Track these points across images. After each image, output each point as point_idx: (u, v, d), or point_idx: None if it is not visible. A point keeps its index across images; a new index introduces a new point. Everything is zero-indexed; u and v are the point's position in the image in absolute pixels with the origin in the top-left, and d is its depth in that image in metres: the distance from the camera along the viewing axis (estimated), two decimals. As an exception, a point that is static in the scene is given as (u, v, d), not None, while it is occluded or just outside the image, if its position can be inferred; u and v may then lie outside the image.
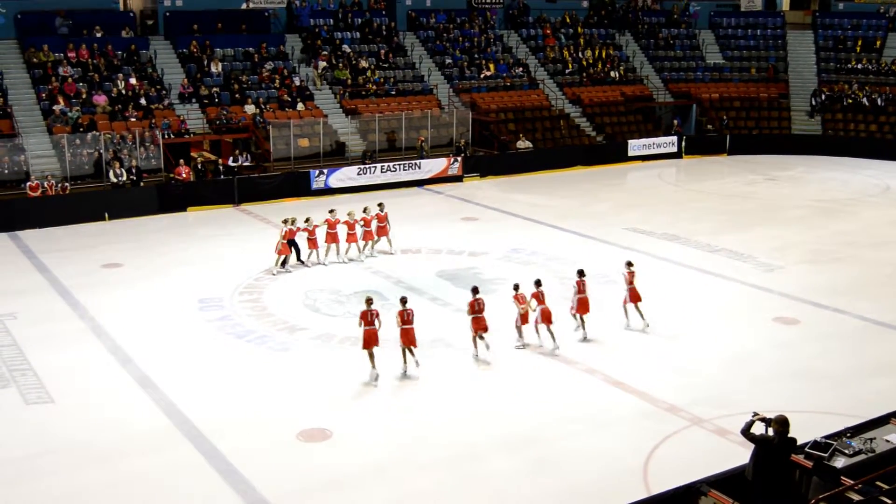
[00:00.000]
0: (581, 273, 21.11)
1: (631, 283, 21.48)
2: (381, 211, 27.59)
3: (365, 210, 27.35)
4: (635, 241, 29.20)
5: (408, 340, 18.83)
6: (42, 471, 15.08)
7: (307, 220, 26.46)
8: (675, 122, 47.76)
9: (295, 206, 34.40)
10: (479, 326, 19.67)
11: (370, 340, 18.55)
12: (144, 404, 17.50)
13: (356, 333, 20.82)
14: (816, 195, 37.03)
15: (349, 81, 43.37)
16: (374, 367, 18.54)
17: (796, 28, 55.10)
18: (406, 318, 18.90)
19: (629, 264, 21.70)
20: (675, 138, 45.97)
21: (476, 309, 19.70)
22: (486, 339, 19.72)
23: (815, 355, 20.06)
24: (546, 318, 20.15)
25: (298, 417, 16.88)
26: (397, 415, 17.23)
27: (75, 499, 14.31)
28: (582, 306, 20.93)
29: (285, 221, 26.23)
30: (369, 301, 18.93)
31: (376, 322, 18.68)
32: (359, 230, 27.01)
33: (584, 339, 20.79)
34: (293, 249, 26.28)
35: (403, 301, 19.18)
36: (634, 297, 21.46)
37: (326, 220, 26.82)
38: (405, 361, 18.89)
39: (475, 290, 19.94)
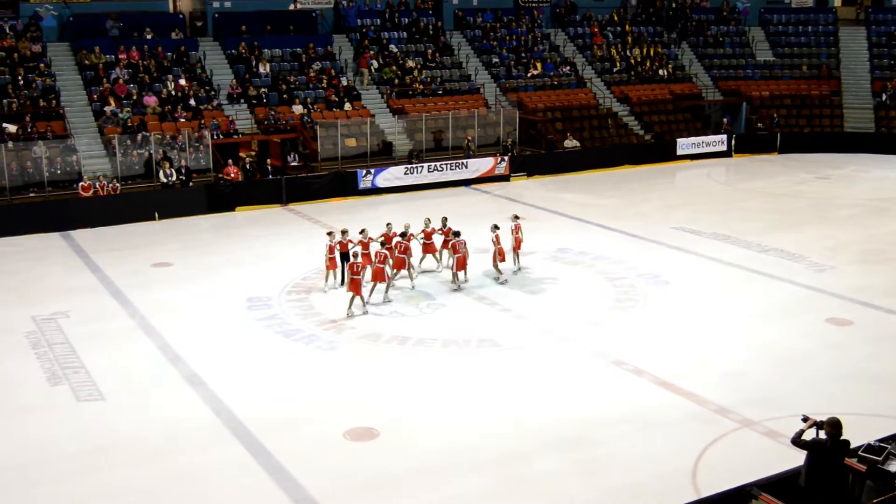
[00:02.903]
0: (495, 227, 24.85)
1: (498, 242, 24.84)
2: (444, 226, 25.89)
3: (426, 223, 25.78)
4: (684, 241, 28.94)
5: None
6: (93, 467, 15.27)
7: (362, 232, 24.43)
8: (725, 120, 47.25)
9: (342, 205, 34.58)
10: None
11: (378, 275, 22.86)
12: (193, 402, 17.65)
13: (404, 332, 20.96)
14: (869, 194, 36.42)
15: (396, 81, 43.49)
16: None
17: (848, 24, 54.19)
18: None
19: (495, 227, 24.95)
20: (724, 137, 45.45)
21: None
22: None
23: (868, 357, 19.73)
24: (461, 264, 24.42)
25: (346, 416, 16.92)
26: (445, 415, 17.21)
27: (126, 495, 14.45)
28: (499, 255, 24.77)
29: (331, 234, 24.58)
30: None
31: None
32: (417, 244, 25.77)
33: (504, 282, 24.70)
34: (342, 264, 24.13)
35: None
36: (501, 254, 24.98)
37: (383, 234, 24.71)
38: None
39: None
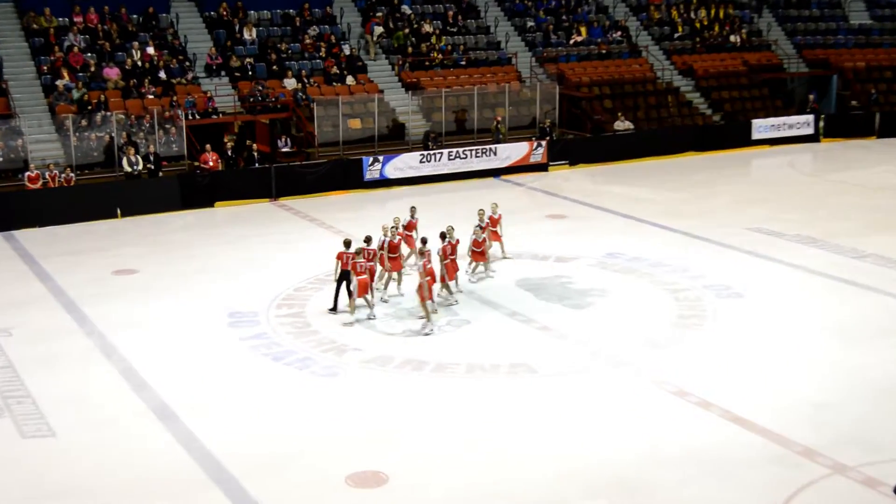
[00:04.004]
0: (423, 241, 23.61)
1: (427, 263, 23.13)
2: (413, 217, 26.31)
3: (395, 222, 25.13)
4: (761, 245, 28.84)
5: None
6: (42, 518, 15.32)
7: (367, 240, 23.72)
8: (811, 97, 47.09)
9: (344, 200, 34.63)
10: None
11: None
12: (163, 439, 17.66)
13: (419, 355, 20.92)
14: None
15: (410, 50, 43.51)
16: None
17: (964, -21, 54.08)
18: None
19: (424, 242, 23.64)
20: (810, 117, 45.34)
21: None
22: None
23: None
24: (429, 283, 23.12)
25: (348, 457, 16.90)
26: (465, 455, 17.15)
27: (81, 552, 14.51)
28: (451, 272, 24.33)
29: (357, 252, 22.89)
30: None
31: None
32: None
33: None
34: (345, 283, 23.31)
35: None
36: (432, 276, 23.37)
37: (389, 243, 24.22)
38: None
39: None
